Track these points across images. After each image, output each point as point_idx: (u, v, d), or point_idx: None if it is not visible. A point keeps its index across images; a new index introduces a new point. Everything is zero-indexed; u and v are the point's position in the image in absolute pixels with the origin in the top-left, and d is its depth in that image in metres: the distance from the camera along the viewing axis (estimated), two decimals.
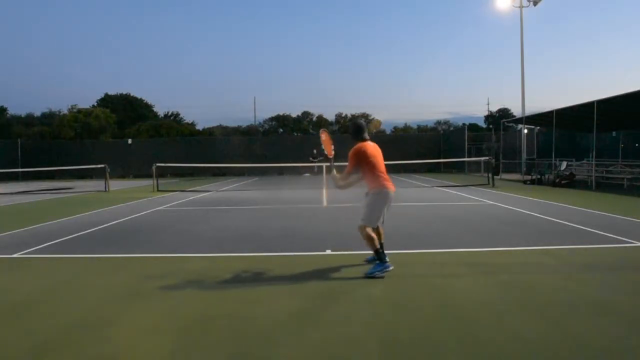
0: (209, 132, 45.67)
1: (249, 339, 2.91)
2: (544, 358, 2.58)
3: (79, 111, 39.74)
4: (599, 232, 6.43)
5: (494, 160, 17.34)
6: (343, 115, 51.50)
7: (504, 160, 21.61)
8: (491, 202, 10.53)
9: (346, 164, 4.42)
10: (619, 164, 17.71)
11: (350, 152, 4.42)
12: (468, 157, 24.59)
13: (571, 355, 2.61)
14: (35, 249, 5.93)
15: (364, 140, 4.50)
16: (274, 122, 53.82)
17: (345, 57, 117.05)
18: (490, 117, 52.67)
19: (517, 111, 42.15)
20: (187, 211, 10.18)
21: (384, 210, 4.41)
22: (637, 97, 12.38)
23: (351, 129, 4.59)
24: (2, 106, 45.90)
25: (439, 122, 54.86)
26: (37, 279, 4.54)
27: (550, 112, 16.78)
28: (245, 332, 3.03)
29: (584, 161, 18.98)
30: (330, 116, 52.75)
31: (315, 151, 24.11)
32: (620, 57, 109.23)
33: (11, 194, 16.69)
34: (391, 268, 4.32)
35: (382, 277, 4.23)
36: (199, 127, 47.69)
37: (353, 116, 50.55)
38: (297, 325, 3.13)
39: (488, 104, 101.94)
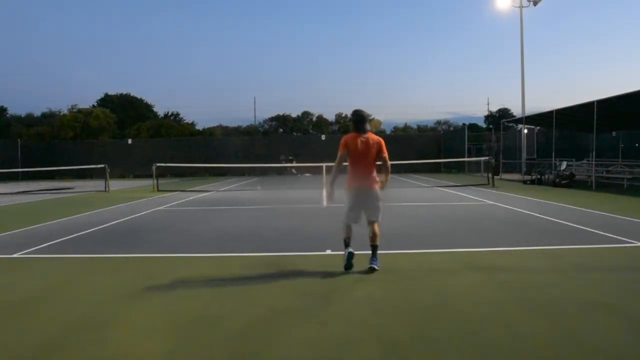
0: (209, 132, 45.67)
1: (249, 339, 2.91)
2: (544, 358, 2.58)
3: (79, 111, 39.72)
4: (599, 232, 6.43)
5: (494, 160, 17.35)
6: (343, 115, 51.49)
7: (504, 160, 21.62)
8: (491, 202, 10.53)
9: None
10: (619, 164, 17.72)
11: (382, 142, 4.61)
12: (468, 157, 24.59)
13: (571, 355, 2.61)
14: (35, 249, 5.93)
15: (358, 131, 4.58)
16: (274, 122, 53.84)
17: (345, 57, 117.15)
18: (490, 117, 52.70)
19: (517, 111, 42.16)
20: (187, 211, 10.19)
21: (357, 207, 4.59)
22: (637, 97, 12.39)
23: (354, 119, 4.65)
24: (2, 106, 45.92)
25: (439, 122, 54.95)
26: (37, 279, 4.53)
27: (550, 112, 16.79)
28: (245, 332, 3.04)
29: (584, 161, 18.99)
30: (330, 116, 52.75)
31: (291, 157, 24.56)
32: (620, 57, 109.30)
33: (11, 194, 16.68)
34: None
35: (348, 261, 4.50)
36: (199, 127, 47.73)
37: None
38: (297, 325, 3.13)
39: (488, 104, 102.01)
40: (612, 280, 4.11)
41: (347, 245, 4.57)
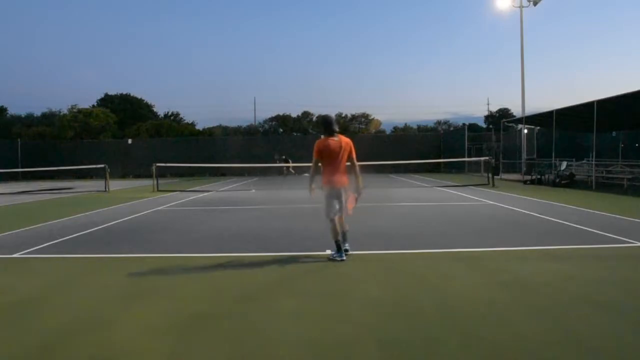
0: (209, 132, 45.67)
1: (249, 339, 2.91)
2: (544, 358, 2.58)
3: (79, 111, 39.71)
4: (599, 232, 6.43)
5: (493, 160, 17.35)
6: (343, 115, 51.49)
7: (504, 160, 21.61)
8: (491, 202, 10.53)
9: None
10: (619, 164, 17.72)
11: (352, 143, 5.14)
12: (468, 157, 24.59)
13: (571, 355, 2.61)
14: (35, 249, 5.93)
15: (330, 135, 5.01)
16: (274, 122, 53.82)
17: (345, 57, 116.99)
18: (490, 117, 52.67)
19: (517, 111, 42.16)
20: (187, 211, 10.18)
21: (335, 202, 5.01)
22: (637, 97, 12.38)
23: (324, 124, 5.11)
24: (2, 106, 45.94)
25: (439, 122, 54.88)
26: (37, 279, 4.54)
27: (550, 112, 16.78)
28: (245, 332, 3.04)
29: (584, 161, 18.98)
30: None
31: (284, 157, 24.80)
32: (620, 57, 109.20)
33: (11, 194, 16.69)
34: (343, 258, 4.98)
35: (342, 260, 4.95)
36: (199, 127, 47.70)
37: (353, 116, 50.68)
38: (297, 325, 3.13)
39: (488, 104, 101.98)
40: (612, 280, 4.11)
41: (339, 246, 5.03)
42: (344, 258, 4.98)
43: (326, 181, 5.00)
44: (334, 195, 4.97)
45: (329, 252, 5.35)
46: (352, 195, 5.12)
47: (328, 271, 4.58)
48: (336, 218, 5.00)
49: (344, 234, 5.08)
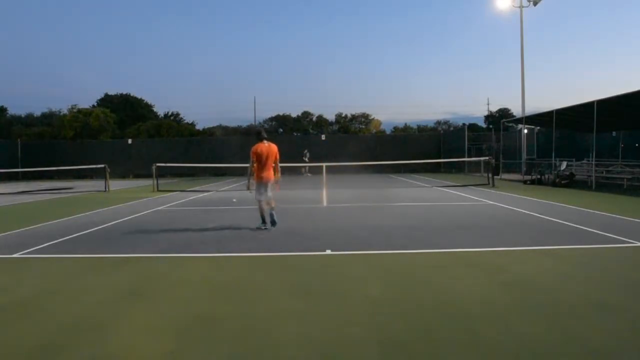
0: (209, 132, 45.65)
1: (249, 339, 2.91)
2: (544, 358, 2.58)
3: (79, 111, 39.67)
4: (599, 232, 6.43)
5: (493, 160, 17.34)
6: (343, 115, 51.50)
7: (504, 160, 21.61)
8: (491, 202, 10.53)
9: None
10: (619, 164, 17.72)
11: (276, 149, 7.10)
12: (468, 157, 24.58)
13: (571, 355, 2.61)
14: (35, 249, 5.93)
15: (261, 141, 6.95)
16: (274, 122, 53.81)
17: (345, 57, 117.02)
18: (490, 117, 52.66)
19: (517, 111, 42.19)
20: (187, 211, 10.18)
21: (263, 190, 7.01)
22: (637, 97, 12.39)
23: (257, 133, 7.09)
24: (2, 106, 45.92)
25: (439, 122, 54.87)
26: (37, 279, 4.54)
27: (550, 112, 16.79)
28: (245, 332, 3.04)
29: (584, 161, 18.99)
30: (330, 116, 52.66)
31: (306, 151, 24.91)
32: (620, 57, 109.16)
33: (11, 194, 16.68)
34: (267, 228, 7.03)
35: (265, 229, 6.94)
36: (199, 127, 47.63)
37: (353, 116, 50.78)
38: (297, 325, 3.13)
39: (488, 104, 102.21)
40: (613, 281, 4.11)
41: (263, 219, 7.12)
42: (267, 228, 6.98)
43: (258, 176, 6.91)
44: (263, 186, 6.92)
45: (328, 252, 5.38)
46: (277, 185, 7.17)
47: (328, 271, 4.58)
48: (263, 202, 6.99)
49: (272, 215, 7.01)
